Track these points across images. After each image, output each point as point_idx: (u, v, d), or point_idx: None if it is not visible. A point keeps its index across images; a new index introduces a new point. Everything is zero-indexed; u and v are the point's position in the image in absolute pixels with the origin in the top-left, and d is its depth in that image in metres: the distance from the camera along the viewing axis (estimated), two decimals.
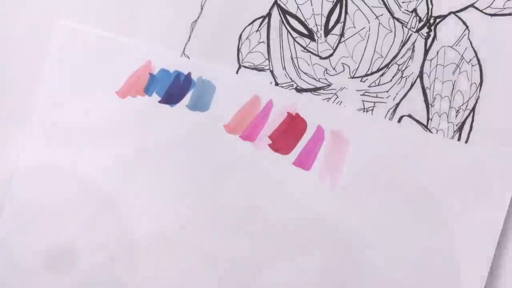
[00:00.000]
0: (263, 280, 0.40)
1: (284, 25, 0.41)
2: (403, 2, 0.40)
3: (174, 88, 0.41)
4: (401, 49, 0.40)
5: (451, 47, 0.40)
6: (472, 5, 0.40)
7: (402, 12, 0.40)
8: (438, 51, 0.40)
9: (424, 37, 0.40)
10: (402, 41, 0.40)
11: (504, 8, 0.40)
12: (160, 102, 0.41)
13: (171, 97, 0.41)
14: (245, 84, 0.40)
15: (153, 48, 0.41)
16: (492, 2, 0.39)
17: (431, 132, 0.40)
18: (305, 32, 0.41)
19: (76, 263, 0.42)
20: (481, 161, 0.38)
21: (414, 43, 0.40)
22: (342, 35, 0.40)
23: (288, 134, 0.40)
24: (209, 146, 0.41)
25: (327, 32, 0.41)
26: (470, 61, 0.40)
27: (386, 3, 0.40)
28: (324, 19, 0.40)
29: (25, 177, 0.42)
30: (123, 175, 0.41)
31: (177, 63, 0.41)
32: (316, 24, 0.41)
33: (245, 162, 0.40)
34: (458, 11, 0.40)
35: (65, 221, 0.42)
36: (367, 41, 0.40)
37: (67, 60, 0.42)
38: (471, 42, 0.40)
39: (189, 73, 0.41)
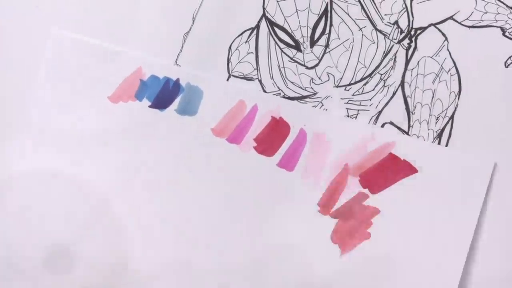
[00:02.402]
0: (251, 276, 0.42)
1: (272, 36, 0.42)
2: (385, 15, 0.42)
3: (164, 94, 0.42)
4: (383, 59, 0.42)
5: (431, 57, 0.41)
6: (451, 17, 0.41)
7: (385, 24, 0.42)
8: (418, 61, 0.41)
9: (405, 48, 0.42)
10: (384, 51, 0.42)
11: (482, 20, 0.41)
12: (150, 106, 0.43)
13: (160, 102, 0.42)
14: (231, 90, 0.42)
15: (144, 56, 0.43)
16: (470, 15, 0.41)
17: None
18: (292, 43, 0.42)
19: (74, 264, 0.43)
20: (458, 163, 0.40)
21: (395, 53, 0.42)
22: (327, 46, 0.42)
23: (272, 137, 0.42)
24: (197, 148, 0.42)
25: (312, 43, 0.42)
26: (449, 70, 0.41)
27: (369, 15, 0.42)
28: (310, 31, 0.42)
29: (23, 181, 0.43)
30: (116, 176, 0.43)
31: (166, 70, 0.43)
32: (302, 36, 0.42)
33: (231, 163, 0.42)
34: (437, 23, 0.41)
35: (63, 224, 0.43)
36: (351, 51, 0.42)
37: (62, 67, 0.43)
38: (450, 53, 0.41)
39: (178, 79, 0.42)
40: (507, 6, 0.41)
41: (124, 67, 0.43)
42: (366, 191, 0.41)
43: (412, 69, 0.42)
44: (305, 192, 0.41)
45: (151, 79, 0.43)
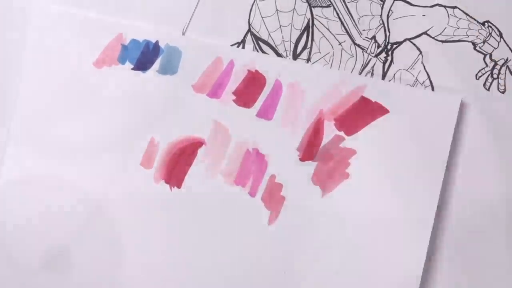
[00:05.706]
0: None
1: (257, 50, 0.44)
2: (363, 30, 0.43)
3: (145, 56, 0.44)
4: (361, 72, 0.43)
5: (407, 70, 0.43)
6: (425, 33, 0.43)
7: (363, 39, 0.43)
8: (394, 74, 0.43)
9: (382, 61, 0.43)
10: (362, 64, 0.43)
11: (454, 35, 0.43)
12: (133, 69, 0.44)
13: (142, 64, 0.44)
14: (208, 48, 0.44)
15: (123, 22, 0.44)
16: (443, 30, 0.43)
17: None
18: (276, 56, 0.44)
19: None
20: (426, 101, 0.42)
21: (373, 66, 0.43)
22: (309, 59, 0.44)
23: (250, 89, 0.43)
24: (179, 105, 0.44)
25: (295, 56, 0.44)
26: (423, 82, 0.43)
27: (348, 31, 0.43)
28: (292, 45, 0.44)
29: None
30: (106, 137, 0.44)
31: (145, 33, 0.44)
32: (285, 50, 0.44)
33: (213, 117, 0.44)
34: (412, 38, 0.43)
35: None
36: (331, 64, 0.44)
37: (46, 40, 0.44)
38: (424, 66, 0.43)
39: (157, 41, 0.44)
40: (478, 22, 0.43)
41: (105, 34, 0.44)
42: (341, 133, 0.43)
43: (389, 81, 0.43)
44: (285, 138, 0.43)
45: (131, 43, 0.44)
